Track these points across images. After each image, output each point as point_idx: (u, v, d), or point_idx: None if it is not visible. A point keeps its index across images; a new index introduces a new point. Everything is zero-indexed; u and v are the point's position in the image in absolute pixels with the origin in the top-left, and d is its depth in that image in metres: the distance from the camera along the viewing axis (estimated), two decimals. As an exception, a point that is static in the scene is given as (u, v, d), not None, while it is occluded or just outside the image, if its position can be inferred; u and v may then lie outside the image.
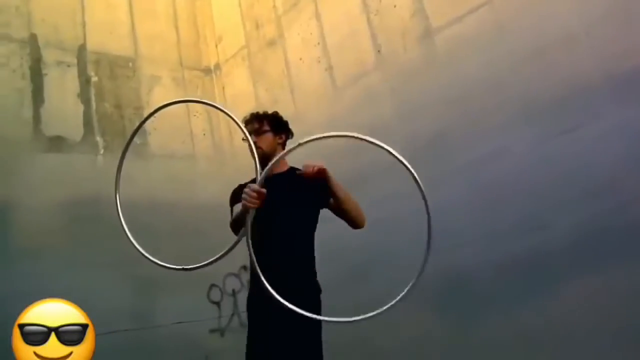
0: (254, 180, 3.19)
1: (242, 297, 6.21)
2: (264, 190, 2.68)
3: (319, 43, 5.88)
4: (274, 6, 6.50)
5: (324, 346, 3.07)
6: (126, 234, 2.81)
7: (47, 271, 4.89)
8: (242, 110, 6.59)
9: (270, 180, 2.94)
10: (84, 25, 6.35)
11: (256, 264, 2.63)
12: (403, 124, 4.99)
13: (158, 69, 6.79)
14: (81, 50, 6.25)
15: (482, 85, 4.47)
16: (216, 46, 7.29)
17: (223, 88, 7.07)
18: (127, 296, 5.31)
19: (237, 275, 6.15)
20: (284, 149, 3.29)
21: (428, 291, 4.63)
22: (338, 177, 5.22)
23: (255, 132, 3.19)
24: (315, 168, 2.90)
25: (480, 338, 4.29)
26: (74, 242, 5.15)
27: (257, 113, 3.32)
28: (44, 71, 5.86)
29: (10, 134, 5.42)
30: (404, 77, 5.07)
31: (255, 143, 3.10)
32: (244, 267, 6.22)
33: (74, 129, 5.82)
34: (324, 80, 5.78)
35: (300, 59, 6.08)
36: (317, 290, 3.12)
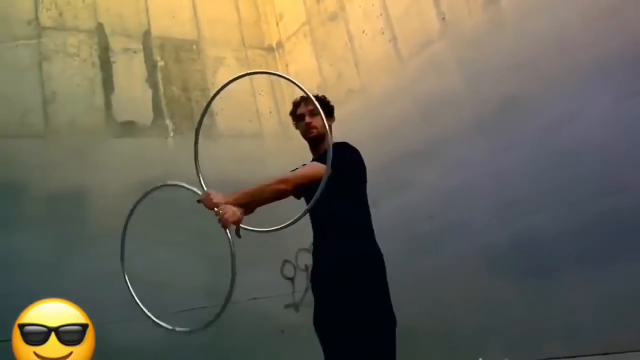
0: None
1: (314, 273, 6.24)
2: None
3: (381, 14, 5.78)
4: (334, -21, 6.43)
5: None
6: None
7: (127, 251, 5.04)
8: (307, 86, 6.57)
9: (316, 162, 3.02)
10: (147, 11, 6.46)
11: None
12: (471, 91, 4.87)
13: (221, 50, 6.85)
14: (146, 36, 6.37)
15: (553, 47, 4.30)
16: (277, 24, 7.27)
17: (287, 65, 7.06)
18: (203, 274, 5.40)
19: (308, 251, 6.16)
20: (331, 133, 3.24)
21: (504, 259, 4.57)
22: (406, 147, 5.21)
23: (310, 114, 3.15)
24: (230, 221, 2.74)
25: (560, 305, 4.18)
26: (148, 223, 5.24)
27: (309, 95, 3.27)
28: (112, 59, 6.01)
29: (84, 121, 5.60)
30: (470, 44, 4.94)
31: (310, 123, 3.10)
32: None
33: (144, 114, 5.96)
34: (388, 51, 5.69)
35: (363, 31, 6.00)
36: (378, 254, 3.06)
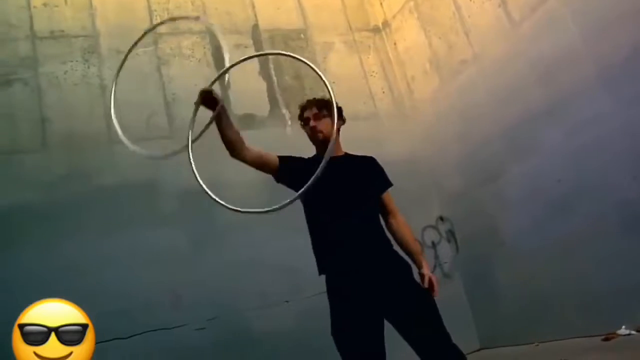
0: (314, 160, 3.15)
1: (442, 248, 6.21)
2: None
3: (488, -21, 5.61)
4: (434, -49, 6.30)
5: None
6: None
7: (257, 240, 5.23)
8: (419, 62, 6.54)
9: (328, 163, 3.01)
10: (253, 6, 6.63)
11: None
12: (591, 45, 4.65)
13: (329, 35, 6.91)
14: (255, 30, 6.54)
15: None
16: (381, 4, 7.24)
17: (395, 44, 7.02)
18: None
19: (434, 227, 6.16)
20: (339, 135, 3.22)
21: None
22: (526, 111, 5.05)
23: (315, 117, 3.14)
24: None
25: None
26: (281, 211, 5.40)
27: (315, 99, 3.27)
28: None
29: (206, 119, 5.78)
30: (588, -5, 4.69)
31: (315, 127, 3.09)
32: (441, 218, 6.22)
33: (261, 105, 6.13)
34: (499, 16, 5.52)
35: (470, -1, 5.85)
36: (399, 256, 3.05)
